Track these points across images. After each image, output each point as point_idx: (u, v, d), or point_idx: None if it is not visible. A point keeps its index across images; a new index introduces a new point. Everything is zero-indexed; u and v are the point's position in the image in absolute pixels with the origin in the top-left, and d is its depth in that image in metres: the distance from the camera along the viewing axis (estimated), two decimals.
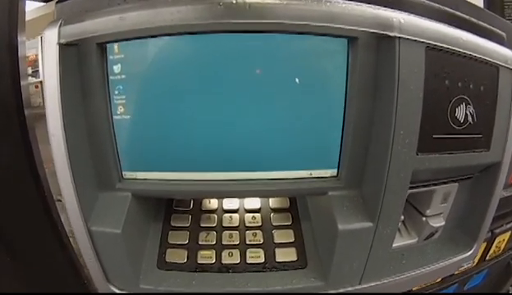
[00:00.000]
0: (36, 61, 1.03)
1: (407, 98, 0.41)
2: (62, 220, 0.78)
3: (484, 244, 0.70)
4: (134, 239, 0.45)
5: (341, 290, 0.47)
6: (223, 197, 0.51)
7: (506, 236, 0.76)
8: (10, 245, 0.67)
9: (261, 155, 0.43)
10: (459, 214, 0.56)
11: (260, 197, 0.51)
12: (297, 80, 0.42)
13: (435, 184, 0.50)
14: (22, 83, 0.66)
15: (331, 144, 0.44)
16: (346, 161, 0.44)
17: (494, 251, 0.75)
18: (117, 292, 0.47)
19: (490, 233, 0.71)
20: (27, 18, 0.54)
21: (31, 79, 1.04)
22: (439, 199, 0.52)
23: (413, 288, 0.66)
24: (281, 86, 0.42)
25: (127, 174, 0.45)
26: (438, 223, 0.52)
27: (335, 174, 0.45)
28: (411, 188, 0.46)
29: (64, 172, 0.42)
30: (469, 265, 0.62)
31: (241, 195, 0.49)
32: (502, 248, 0.78)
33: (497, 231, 0.72)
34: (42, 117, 0.50)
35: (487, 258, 0.75)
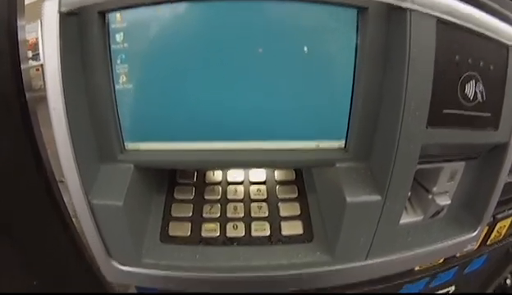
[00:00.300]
0: (36, 44, 1.00)
1: (417, 71, 0.40)
2: (65, 201, 0.76)
3: (486, 228, 0.69)
4: (136, 212, 0.44)
5: (347, 265, 0.45)
6: (228, 168, 0.49)
7: (507, 222, 0.75)
8: (11, 228, 0.66)
9: (267, 124, 0.41)
10: (464, 195, 0.55)
11: (265, 167, 0.49)
12: (305, 49, 0.40)
13: (443, 161, 0.48)
14: (22, 66, 0.64)
15: (339, 115, 0.42)
16: (355, 133, 0.42)
17: (495, 236, 0.74)
18: (119, 267, 0.45)
19: (492, 218, 0.69)
20: (26, 1, 0.53)
21: (32, 63, 1.02)
22: (446, 177, 0.50)
23: (416, 268, 0.64)
24: (288, 55, 0.40)
25: (129, 146, 0.43)
26: (444, 201, 0.50)
27: (342, 145, 0.43)
28: (419, 163, 0.44)
29: (65, 145, 0.40)
30: (472, 247, 0.61)
31: (246, 165, 0.47)
32: (503, 234, 0.77)
33: (499, 216, 0.71)
34: (43, 100, 0.48)
35: (488, 243, 0.74)
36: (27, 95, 0.63)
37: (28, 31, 0.67)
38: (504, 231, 0.77)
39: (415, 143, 0.42)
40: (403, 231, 0.50)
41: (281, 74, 0.40)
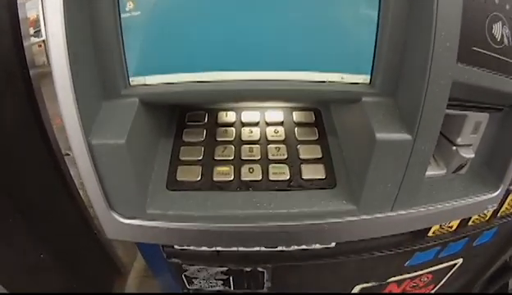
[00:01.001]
0: (37, 21, 0.94)
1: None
2: (72, 174, 0.71)
3: None
4: (140, 154, 0.37)
5: (372, 216, 0.39)
6: (242, 100, 0.43)
7: None
8: (19, 201, 0.61)
9: (287, 53, 0.36)
10: (487, 151, 0.50)
11: (286, 100, 0.44)
12: None
13: (468, 109, 0.43)
14: (25, 43, 0.60)
15: (365, 48, 0.38)
16: (381, 67, 0.38)
17: (506, 209, 0.69)
18: (121, 220, 0.38)
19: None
20: None
21: (34, 39, 0.94)
22: (470, 128, 0.45)
23: (429, 234, 0.59)
24: None
25: (135, 80, 0.37)
26: (468, 154, 0.46)
27: (367, 80, 0.38)
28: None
29: (63, 78, 0.33)
30: (493, 207, 0.56)
31: (264, 97, 0.40)
32: None
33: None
34: (47, 75, 0.42)
35: (498, 215, 0.69)
36: (31, 72, 0.59)
37: (28, 8, 0.63)
38: None
39: (446, 78, 0.37)
40: (426, 184, 0.45)
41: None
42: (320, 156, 0.40)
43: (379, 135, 0.35)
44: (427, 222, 0.46)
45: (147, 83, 0.37)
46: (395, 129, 0.36)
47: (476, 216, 0.62)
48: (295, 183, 0.39)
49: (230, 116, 0.44)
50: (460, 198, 0.46)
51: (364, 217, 0.39)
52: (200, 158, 0.40)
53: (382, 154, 0.36)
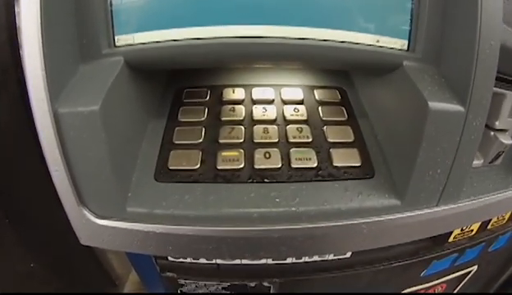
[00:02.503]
0: None
1: None
2: None
3: None
4: (120, 131, 0.25)
5: (417, 212, 0.27)
6: (254, 62, 0.31)
7: None
8: (9, 208, 0.51)
9: (312, 6, 0.25)
10: None
11: (311, 64, 0.31)
12: None
13: (509, 83, 0.33)
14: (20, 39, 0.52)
15: (401, 9, 0.27)
16: (421, 31, 0.27)
17: None
18: (94, 220, 0.25)
19: None
20: None
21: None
22: (507, 110, 0.35)
23: (450, 240, 0.48)
24: None
25: (121, 39, 0.25)
26: (507, 140, 0.35)
27: (405, 46, 0.27)
28: None
29: (31, 29, 0.22)
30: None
31: (286, 57, 0.27)
32: None
33: None
34: None
35: None
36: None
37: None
38: None
39: (495, 40, 0.27)
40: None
41: None
42: (352, 139, 0.29)
43: (432, 104, 0.24)
44: (473, 217, 0.34)
45: (136, 41, 0.25)
46: (446, 99, 0.25)
47: (495, 219, 0.52)
48: (325, 172, 0.26)
49: (238, 93, 0.32)
50: (503, 190, 0.36)
51: (409, 214, 0.27)
52: (200, 141, 0.27)
53: (435, 128, 0.24)
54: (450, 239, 0.50)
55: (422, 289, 0.61)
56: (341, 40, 0.25)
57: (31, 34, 0.22)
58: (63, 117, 0.22)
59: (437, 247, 0.51)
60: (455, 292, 0.67)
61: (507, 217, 0.54)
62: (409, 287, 0.58)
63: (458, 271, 0.59)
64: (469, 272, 0.62)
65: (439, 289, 0.64)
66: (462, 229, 0.50)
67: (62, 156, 0.23)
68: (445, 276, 0.59)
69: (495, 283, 0.70)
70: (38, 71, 0.22)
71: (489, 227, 0.53)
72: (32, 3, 0.22)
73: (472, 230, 0.51)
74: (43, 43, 0.22)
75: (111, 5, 0.25)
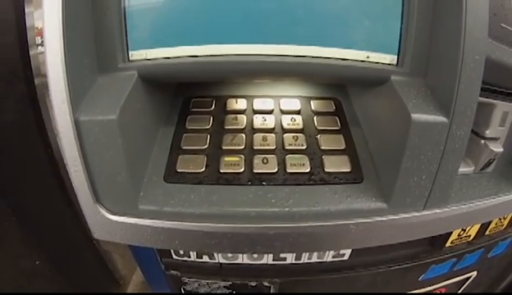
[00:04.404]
0: None
1: None
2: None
3: None
4: (134, 137, 0.29)
5: (403, 215, 0.30)
6: (254, 76, 0.34)
7: None
8: (16, 205, 0.54)
9: (308, 26, 0.28)
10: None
11: (307, 79, 0.35)
12: None
13: (499, 94, 0.36)
14: (31, 52, 0.55)
15: (390, 26, 0.30)
16: (409, 46, 0.30)
17: None
18: (108, 216, 0.28)
19: None
20: None
21: (41, 49, 0.87)
22: (498, 119, 0.38)
23: (448, 243, 0.50)
24: None
25: (135, 54, 0.29)
26: (497, 148, 0.38)
27: (394, 61, 0.30)
28: None
29: (55, 41, 0.25)
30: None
31: (280, 73, 0.31)
32: None
33: None
34: None
35: None
36: (36, 80, 0.53)
37: (36, 18, 0.58)
38: None
39: (480, 53, 0.29)
40: (456, 181, 0.36)
41: None
42: (343, 147, 0.32)
43: (415, 116, 0.27)
44: (460, 222, 0.37)
45: (148, 57, 0.29)
46: (430, 111, 0.28)
47: (493, 225, 0.54)
48: (317, 177, 0.30)
49: (240, 104, 0.35)
50: (492, 196, 0.38)
51: (395, 217, 0.30)
52: (205, 147, 0.31)
53: (418, 138, 0.27)
54: (448, 244, 0.52)
55: (421, 293, 0.63)
56: (335, 57, 0.29)
57: (54, 48, 0.26)
58: (84, 124, 0.26)
59: (435, 252, 0.53)
60: None
61: (506, 223, 0.56)
62: (408, 290, 0.60)
63: (457, 276, 0.61)
64: (469, 278, 0.63)
65: (438, 294, 0.65)
66: (459, 235, 0.52)
67: (81, 158, 0.27)
68: (444, 281, 0.61)
69: (495, 289, 0.71)
70: (61, 82, 0.26)
71: (487, 233, 0.55)
72: (55, 19, 0.25)
73: (469, 235, 0.53)
74: (65, 56, 0.26)
75: (125, 22, 0.29)
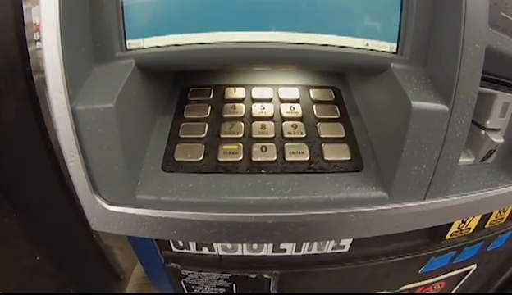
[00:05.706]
0: None
1: None
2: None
3: None
4: (132, 126, 0.28)
5: (404, 204, 0.30)
6: (254, 65, 0.34)
7: None
8: (16, 202, 0.53)
9: (306, 13, 0.28)
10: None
11: (306, 66, 0.35)
12: None
13: (500, 84, 0.35)
14: (29, 48, 0.56)
15: (390, 14, 0.30)
16: (409, 34, 0.30)
17: None
18: (106, 206, 0.28)
19: None
20: None
21: (39, 45, 0.87)
22: (498, 110, 0.37)
23: (447, 237, 0.50)
24: None
25: (132, 43, 0.29)
26: (498, 139, 0.37)
27: (394, 49, 0.30)
28: None
29: (51, 32, 0.25)
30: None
31: (278, 60, 0.30)
32: None
33: None
34: None
35: None
36: (35, 76, 0.53)
37: (34, 14, 0.58)
38: None
39: (480, 42, 0.29)
40: (457, 173, 0.36)
41: None
42: (343, 135, 0.32)
43: (415, 104, 0.26)
44: (460, 213, 0.37)
45: (145, 45, 0.28)
46: (430, 99, 0.28)
47: (493, 218, 0.53)
48: (316, 165, 0.29)
49: (238, 92, 0.35)
50: (492, 188, 0.38)
51: (396, 206, 0.30)
52: (203, 135, 0.31)
53: (419, 126, 0.27)
54: (448, 236, 0.52)
55: (421, 286, 0.63)
56: (334, 44, 0.28)
57: (51, 38, 0.25)
58: (81, 113, 0.26)
59: (435, 244, 0.53)
60: (455, 290, 0.69)
61: (506, 217, 0.56)
62: (408, 283, 0.60)
63: (457, 269, 0.61)
64: (468, 271, 0.63)
65: (438, 287, 0.65)
66: (459, 227, 0.52)
67: (79, 148, 0.27)
68: (443, 274, 0.61)
69: (494, 283, 0.72)
70: (58, 72, 0.26)
71: (487, 226, 0.55)
72: (52, 10, 0.25)
73: (469, 228, 0.53)
74: (62, 46, 0.25)
75: (123, 11, 0.29)
